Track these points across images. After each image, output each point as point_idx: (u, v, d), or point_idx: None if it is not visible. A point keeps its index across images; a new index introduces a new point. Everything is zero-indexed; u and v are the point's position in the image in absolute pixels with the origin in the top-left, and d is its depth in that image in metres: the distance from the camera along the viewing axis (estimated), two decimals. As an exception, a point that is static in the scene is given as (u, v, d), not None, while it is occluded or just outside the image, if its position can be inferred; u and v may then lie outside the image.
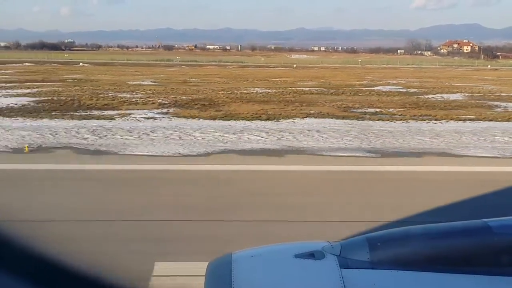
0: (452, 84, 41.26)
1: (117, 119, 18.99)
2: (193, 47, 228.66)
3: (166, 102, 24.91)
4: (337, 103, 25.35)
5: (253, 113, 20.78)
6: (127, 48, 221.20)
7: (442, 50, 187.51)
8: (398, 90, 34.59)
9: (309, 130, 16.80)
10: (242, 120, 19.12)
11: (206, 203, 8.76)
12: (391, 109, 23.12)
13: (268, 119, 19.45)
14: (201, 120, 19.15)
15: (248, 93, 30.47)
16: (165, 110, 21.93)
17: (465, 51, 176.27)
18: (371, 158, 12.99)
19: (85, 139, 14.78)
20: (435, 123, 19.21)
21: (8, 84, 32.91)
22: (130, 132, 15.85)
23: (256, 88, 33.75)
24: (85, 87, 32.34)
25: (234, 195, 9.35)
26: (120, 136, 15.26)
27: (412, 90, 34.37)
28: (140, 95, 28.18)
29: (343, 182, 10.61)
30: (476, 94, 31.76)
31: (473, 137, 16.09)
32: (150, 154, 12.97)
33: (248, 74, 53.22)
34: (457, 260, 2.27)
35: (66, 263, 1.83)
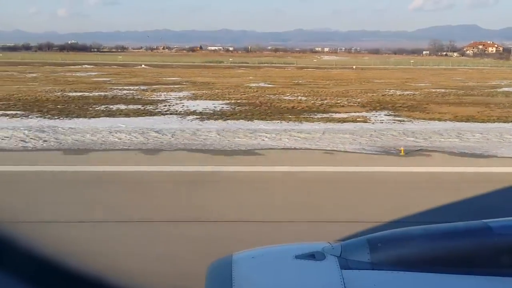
0: None
1: (359, 121, 18.23)
2: (198, 48, 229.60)
3: (362, 103, 23.96)
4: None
5: (474, 115, 19.82)
6: (151, 49, 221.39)
7: (468, 51, 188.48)
8: None
9: None
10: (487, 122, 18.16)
11: None
12: None
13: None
14: (448, 122, 18.15)
15: (389, 94, 29.35)
16: (383, 112, 20.97)
17: (489, 52, 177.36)
18: None
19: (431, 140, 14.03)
20: None
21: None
22: (442, 135, 14.96)
23: (390, 90, 32.53)
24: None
25: None
26: (444, 139, 14.35)
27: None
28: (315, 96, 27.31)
29: None
30: None
31: None
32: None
33: (336, 75, 51.82)
34: (458, 261, 2.27)
35: None
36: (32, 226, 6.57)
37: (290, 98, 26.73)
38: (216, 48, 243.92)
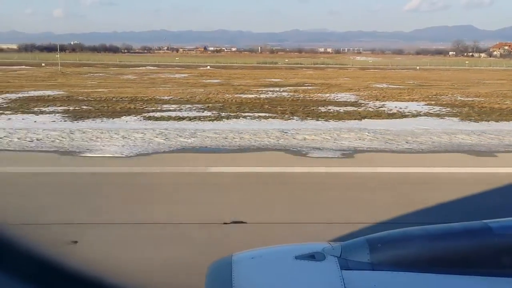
0: None
1: None
2: (203, 49, 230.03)
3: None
4: None
5: None
6: (177, 50, 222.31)
7: (494, 52, 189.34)
8: None
9: None
10: None
11: None
12: None
13: None
14: None
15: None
16: None
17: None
18: None
19: None
20: None
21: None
22: None
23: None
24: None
25: None
26: None
27: None
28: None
29: None
30: None
31: None
32: None
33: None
34: (458, 261, 2.28)
35: None
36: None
37: (474, 99, 25.78)
38: (217, 48, 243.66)
